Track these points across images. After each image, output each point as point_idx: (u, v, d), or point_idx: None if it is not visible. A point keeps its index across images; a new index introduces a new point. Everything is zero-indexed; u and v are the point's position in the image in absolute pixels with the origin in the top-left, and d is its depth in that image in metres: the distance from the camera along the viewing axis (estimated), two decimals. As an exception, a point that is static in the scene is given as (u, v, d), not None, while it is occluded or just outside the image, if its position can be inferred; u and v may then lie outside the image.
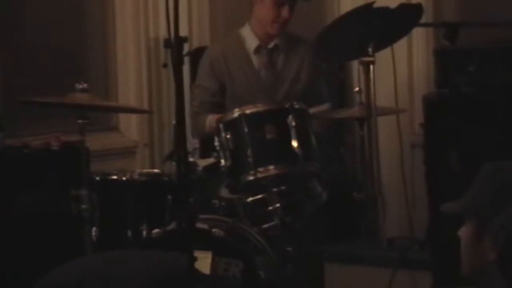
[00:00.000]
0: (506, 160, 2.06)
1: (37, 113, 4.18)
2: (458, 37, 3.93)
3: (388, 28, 3.84)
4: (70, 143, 4.04)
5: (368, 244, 4.18)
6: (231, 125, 3.53)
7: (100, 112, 4.51)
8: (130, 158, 4.97)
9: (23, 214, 3.85)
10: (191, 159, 3.44)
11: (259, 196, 3.53)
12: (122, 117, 5.02)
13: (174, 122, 2.75)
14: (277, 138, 3.50)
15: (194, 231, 2.70)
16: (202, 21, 5.16)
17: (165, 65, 5.03)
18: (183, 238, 2.66)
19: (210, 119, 4.06)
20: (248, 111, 3.52)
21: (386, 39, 3.94)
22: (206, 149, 3.77)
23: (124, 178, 3.51)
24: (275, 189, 3.50)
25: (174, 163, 3.21)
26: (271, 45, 4.18)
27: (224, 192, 3.65)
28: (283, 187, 3.51)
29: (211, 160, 3.59)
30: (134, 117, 5.01)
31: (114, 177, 3.53)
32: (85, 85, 3.50)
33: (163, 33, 4.95)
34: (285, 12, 4.06)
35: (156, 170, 3.83)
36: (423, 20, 4.04)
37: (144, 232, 3.42)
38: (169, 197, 3.46)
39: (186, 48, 2.71)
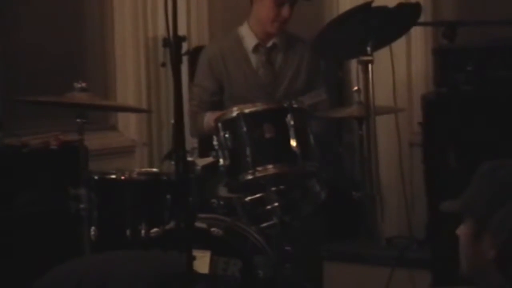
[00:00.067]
0: (505, 159, 2.06)
1: (36, 112, 4.18)
2: (456, 36, 3.93)
3: (386, 27, 3.84)
4: (68, 142, 4.04)
5: (366, 243, 4.18)
6: (230, 124, 3.53)
7: (98, 111, 4.50)
8: (129, 157, 4.97)
9: (22, 213, 3.85)
10: (189, 158, 3.44)
11: (257, 195, 3.53)
12: (121, 116, 5.02)
13: (172, 121, 2.74)
14: (276, 137, 3.50)
15: (192, 230, 2.70)
16: (201, 20, 5.16)
17: (163, 64, 5.01)
18: (182, 237, 2.66)
19: (208, 117, 4.06)
20: (246, 111, 3.52)
21: (385, 38, 3.93)
22: (205, 148, 3.77)
23: (122, 178, 3.51)
24: (273, 188, 3.50)
25: (172, 162, 3.20)
26: (269, 44, 4.18)
27: (222, 191, 3.66)
28: (281, 186, 3.51)
29: (209, 159, 3.59)
30: (132, 116, 5.01)
31: (113, 176, 3.52)
32: (83, 84, 3.49)
33: (161, 32, 4.95)
34: (285, 11, 4.06)
35: (154, 170, 3.82)
36: (421, 19, 4.03)
37: (143, 232, 3.42)
38: (168, 196, 3.46)
39: (184, 47, 2.71)
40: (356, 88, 4.00)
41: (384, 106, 4.15)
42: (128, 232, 3.43)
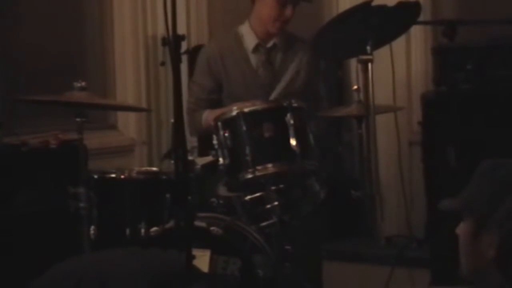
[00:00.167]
0: (504, 157, 2.06)
1: (35, 111, 4.18)
2: (456, 35, 3.93)
3: (386, 26, 3.83)
4: (68, 142, 4.04)
5: (366, 242, 4.19)
6: (229, 123, 3.52)
7: (98, 110, 4.51)
8: (128, 156, 4.97)
9: (21, 212, 3.86)
10: (189, 157, 3.44)
11: (257, 194, 3.52)
12: (120, 115, 5.03)
13: (172, 120, 2.74)
14: (275, 136, 3.50)
15: (192, 229, 2.70)
16: (200, 19, 5.17)
17: (163, 63, 5.03)
18: (182, 236, 2.66)
19: (207, 115, 4.05)
20: (246, 109, 3.52)
21: (384, 37, 3.93)
22: (205, 147, 3.76)
23: (122, 177, 3.50)
24: (273, 187, 3.50)
25: (172, 162, 3.20)
26: (269, 44, 4.17)
27: (222, 190, 3.65)
28: (281, 185, 3.51)
29: (209, 158, 3.58)
30: (132, 115, 5.02)
31: (112, 175, 3.52)
32: (83, 83, 3.49)
33: (161, 31, 4.96)
34: (288, 11, 4.05)
35: (154, 169, 3.82)
36: (421, 18, 4.03)
37: (143, 231, 3.41)
38: (168, 195, 3.45)
39: (184, 46, 2.71)
40: (355, 87, 3.99)
41: (383, 105, 4.15)
42: (127, 231, 3.43)
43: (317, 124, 3.80)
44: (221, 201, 3.62)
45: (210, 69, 4.14)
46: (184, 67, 4.52)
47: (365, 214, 4.07)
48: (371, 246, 4.08)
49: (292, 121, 3.49)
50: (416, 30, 4.71)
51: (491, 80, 3.83)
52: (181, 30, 2.76)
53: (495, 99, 3.81)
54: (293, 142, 3.48)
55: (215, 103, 4.11)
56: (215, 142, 3.55)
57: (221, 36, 4.51)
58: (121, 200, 3.50)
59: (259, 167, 3.46)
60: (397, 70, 4.34)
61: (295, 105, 3.55)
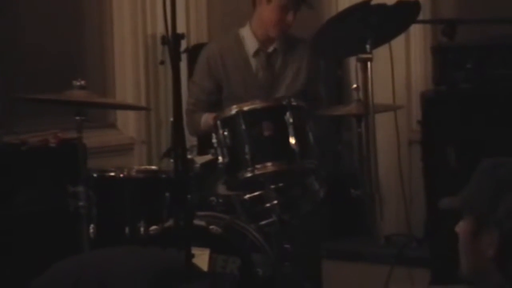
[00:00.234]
0: (504, 156, 2.06)
1: (35, 110, 4.18)
2: (455, 34, 3.93)
3: (385, 25, 3.83)
4: (67, 140, 4.04)
5: (365, 241, 4.19)
6: (229, 122, 3.52)
7: (97, 109, 4.51)
8: (128, 155, 4.97)
9: (21, 211, 3.85)
10: (188, 156, 3.44)
11: (256, 193, 3.53)
12: (120, 114, 5.02)
13: (171, 119, 2.74)
14: (275, 135, 3.50)
15: (191, 228, 2.70)
16: (200, 18, 5.16)
17: (162, 62, 5.03)
18: (181, 235, 2.66)
19: (206, 118, 4.05)
20: (245, 108, 3.52)
21: (384, 36, 3.93)
22: (204, 146, 3.76)
23: (121, 175, 3.51)
24: (272, 186, 3.50)
25: (171, 160, 3.20)
26: (270, 49, 4.15)
27: (221, 189, 3.65)
28: (280, 184, 3.51)
29: (208, 157, 3.58)
30: (131, 114, 5.01)
31: (112, 174, 3.52)
32: (82, 82, 3.49)
33: (160, 30, 4.95)
34: (289, 17, 4.03)
35: (153, 167, 3.82)
36: (420, 17, 4.03)
37: (142, 229, 3.41)
38: (167, 194, 3.45)
39: (183, 45, 2.70)
40: (355, 86, 3.99)
41: (383, 104, 4.15)
42: (127, 229, 3.43)
43: (316, 123, 3.80)
44: (220, 200, 3.62)
45: (210, 70, 4.14)
46: (183, 66, 4.52)
47: (365, 213, 4.07)
48: (371, 245, 4.08)
49: (291, 120, 3.49)
50: (415, 29, 4.71)
51: (490, 79, 3.83)
52: (181, 28, 2.76)
53: (495, 98, 3.81)
54: (292, 140, 3.48)
55: (215, 105, 4.10)
56: (214, 140, 3.55)
57: (222, 37, 4.51)
58: (121, 198, 3.51)
59: (258, 166, 3.46)
60: (397, 69, 4.34)
61: (294, 103, 3.55)
